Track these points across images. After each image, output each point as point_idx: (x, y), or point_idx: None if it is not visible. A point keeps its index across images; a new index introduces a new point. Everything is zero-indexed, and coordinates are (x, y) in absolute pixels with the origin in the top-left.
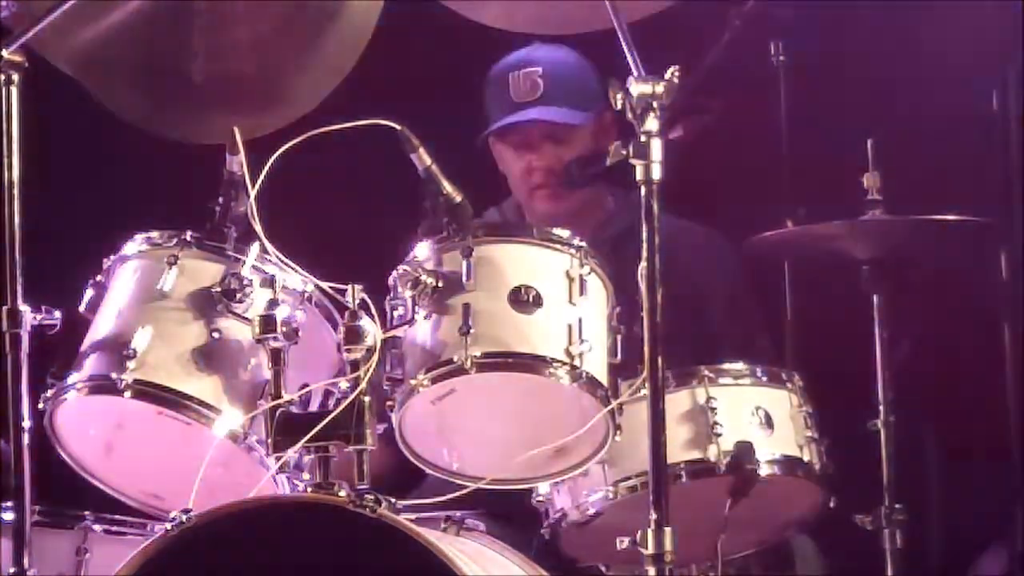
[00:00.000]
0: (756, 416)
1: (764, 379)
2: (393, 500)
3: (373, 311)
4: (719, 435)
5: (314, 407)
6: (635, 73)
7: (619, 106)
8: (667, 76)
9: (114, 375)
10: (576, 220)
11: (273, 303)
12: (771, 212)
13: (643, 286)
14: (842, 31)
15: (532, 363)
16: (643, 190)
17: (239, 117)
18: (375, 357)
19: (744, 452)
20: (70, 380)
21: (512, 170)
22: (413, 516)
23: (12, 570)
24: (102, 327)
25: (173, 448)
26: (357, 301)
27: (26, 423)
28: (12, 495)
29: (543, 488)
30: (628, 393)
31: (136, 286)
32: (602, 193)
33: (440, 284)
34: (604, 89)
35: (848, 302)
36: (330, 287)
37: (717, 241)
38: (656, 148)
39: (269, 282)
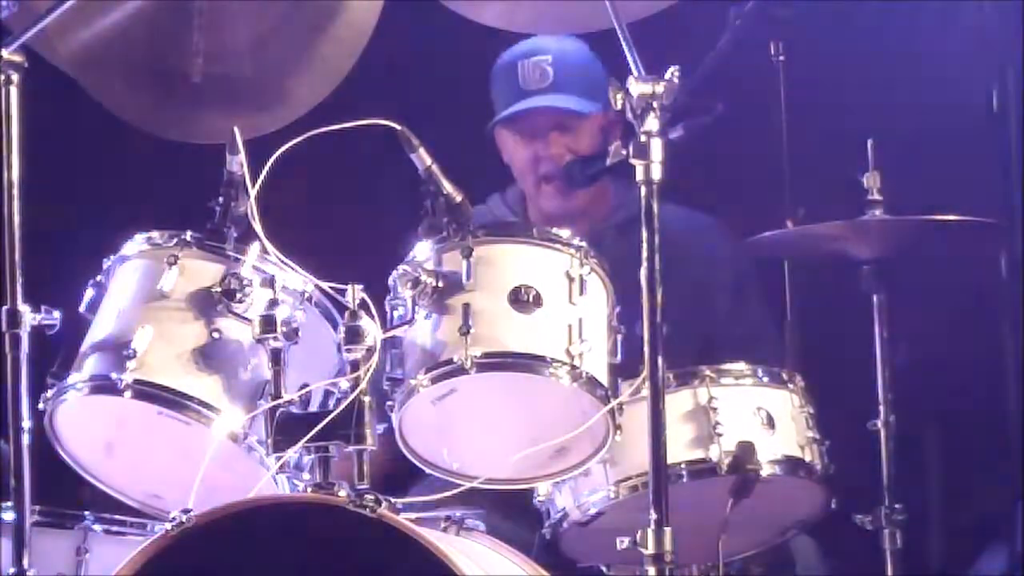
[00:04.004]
0: (758, 416)
1: (766, 379)
2: (393, 500)
3: (373, 311)
4: (721, 435)
5: (314, 407)
6: (635, 73)
7: (619, 106)
8: (667, 76)
9: (114, 375)
10: (581, 216)
11: (273, 303)
12: (771, 212)
13: (644, 286)
14: (842, 31)
15: (532, 363)
16: (643, 190)
17: (239, 117)
18: (375, 357)
19: (746, 452)
20: (70, 380)
21: (518, 159)
22: (413, 516)
23: (12, 570)
24: (102, 327)
25: (173, 448)
26: (357, 301)
27: (26, 423)
28: (12, 495)
29: (544, 488)
30: (628, 393)
31: (136, 286)
32: (604, 186)
33: (440, 284)
34: None
35: (848, 302)
36: (330, 287)
37: (724, 231)
38: (656, 148)
39: (269, 282)
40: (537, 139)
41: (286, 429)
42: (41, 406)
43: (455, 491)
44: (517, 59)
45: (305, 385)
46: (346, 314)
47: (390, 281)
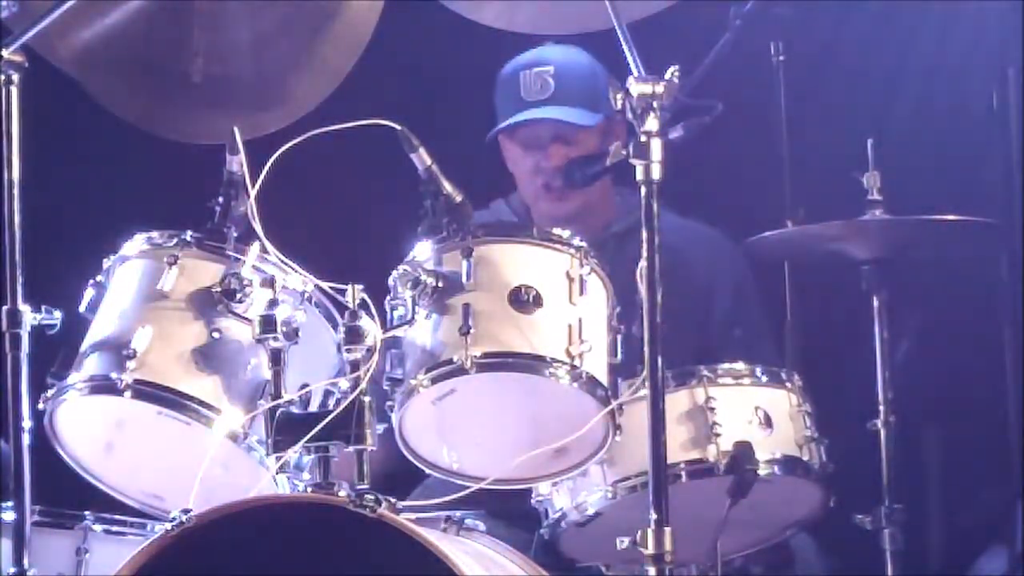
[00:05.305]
0: (756, 416)
1: (764, 379)
2: (393, 500)
3: (373, 311)
4: (718, 435)
5: (314, 407)
6: (635, 73)
7: (619, 106)
8: (667, 76)
9: (114, 375)
10: (581, 220)
11: (273, 303)
12: (771, 212)
13: (643, 286)
14: (842, 30)
15: (532, 363)
16: (643, 190)
17: (239, 117)
18: (375, 357)
19: (743, 452)
20: (70, 380)
21: (520, 168)
22: (413, 516)
23: (12, 570)
24: (102, 327)
25: (173, 448)
26: (357, 301)
27: (26, 423)
28: (12, 495)
29: (543, 488)
30: (628, 393)
31: (136, 286)
32: (607, 192)
33: (440, 284)
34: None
35: (848, 302)
36: (330, 287)
37: (723, 242)
38: (656, 148)
39: (269, 282)
40: (538, 150)
41: (286, 429)
42: (41, 406)
43: (460, 494)
44: (519, 69)
45: (305, 385)
46: (346, 314)
47: (390, 281)
